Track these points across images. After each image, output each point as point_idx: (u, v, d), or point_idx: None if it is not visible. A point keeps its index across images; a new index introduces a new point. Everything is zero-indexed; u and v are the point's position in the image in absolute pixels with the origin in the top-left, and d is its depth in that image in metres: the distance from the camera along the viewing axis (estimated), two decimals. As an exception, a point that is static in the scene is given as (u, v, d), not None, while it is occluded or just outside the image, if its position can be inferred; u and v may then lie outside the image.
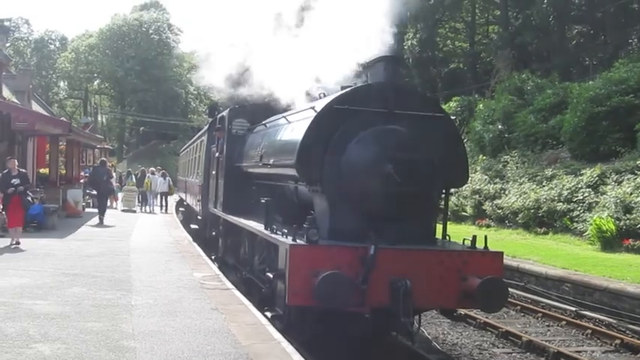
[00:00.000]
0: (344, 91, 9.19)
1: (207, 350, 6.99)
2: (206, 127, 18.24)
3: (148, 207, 31.82)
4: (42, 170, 28.87)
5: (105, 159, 30.11)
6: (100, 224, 22.30)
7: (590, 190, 21.87)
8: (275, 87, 12.11)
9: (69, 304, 9.02)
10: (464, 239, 9.08)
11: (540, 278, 16.13)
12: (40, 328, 7.62)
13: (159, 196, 32.56)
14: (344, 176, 8.53)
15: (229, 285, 11.28)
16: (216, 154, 14.67)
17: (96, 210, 25.06)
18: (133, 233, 19.73)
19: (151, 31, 75.34)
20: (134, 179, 33.41)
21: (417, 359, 9.91)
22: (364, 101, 8.77)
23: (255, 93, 12.77)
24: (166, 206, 32.29)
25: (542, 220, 23.06)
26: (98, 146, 43.03)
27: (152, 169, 35.13)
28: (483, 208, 26.93)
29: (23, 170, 16.80)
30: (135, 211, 29.39)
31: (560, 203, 22.40)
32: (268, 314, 9.01)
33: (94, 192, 26.77)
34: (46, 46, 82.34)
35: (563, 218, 22.06)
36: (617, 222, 18.81)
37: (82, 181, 31.31)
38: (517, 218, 24.35)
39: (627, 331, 12.61)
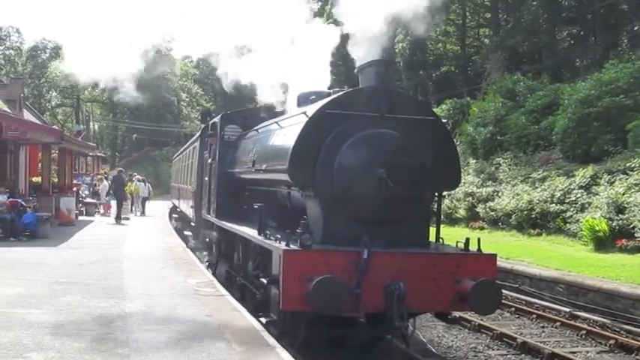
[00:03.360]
0: (335, 96, 9.20)
1: (202, 357, 6.98)
2: (198, 134, 18.22)
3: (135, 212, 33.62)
4: (34, 179, 28.80)
5: (122, 169, 33.87)
6: (118, 223, 26.75)
7: (582, 190, 21.90)
8: (266, 91, 12.21)
9: (63, 313, 9.00)
10: (457, 242, 9.09)
11: (534, 279, 16.15)
12: (33, 337, 7.59)
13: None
14: (336, 181, 8.54)
15: (223, 291, 11.27)
16: (209, 161, 14.65)
17: (88, 218, 26.00)
18: (126, 240, 19.69)
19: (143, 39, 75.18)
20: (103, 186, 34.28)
21: (412, 363, 9.91)
22: (356, 105, 8.78)
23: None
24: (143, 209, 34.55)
25: (536, 222, 23.09)
26: (91, 154, 42.98)
27: (137, 176, 37.48)
28: (476, 210, 26.94)
29: None
30: (129, 218, 29.34)
31: (553, 204, 22.44)
32: (263, 320, 9.00)
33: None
34: (39, 54, 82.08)
35: (556, 219, 22.09)
36: (610, 222, 18.85)
37: (74, 189, 31.27)
38: (510, 220, 24.37)
39: (621, 331, 12.63)
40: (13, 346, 7.14)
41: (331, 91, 10.02)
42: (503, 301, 12.65)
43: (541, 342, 11.94)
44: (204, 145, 16.00)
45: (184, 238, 20.42)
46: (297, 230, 8.11)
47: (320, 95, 10.16)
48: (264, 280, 8.83)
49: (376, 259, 7.93)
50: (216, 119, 14.57)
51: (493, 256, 8.84)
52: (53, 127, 33.55)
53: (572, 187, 22.42)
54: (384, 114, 8.76)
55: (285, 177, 9.01)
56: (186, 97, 77.65)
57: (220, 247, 13.95)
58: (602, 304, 13.86)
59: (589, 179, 22.08)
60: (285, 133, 9.67)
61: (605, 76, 25.44)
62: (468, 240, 8.89)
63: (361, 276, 7.83)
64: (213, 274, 13.76)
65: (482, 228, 25.80)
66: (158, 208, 35.66)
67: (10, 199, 19.99)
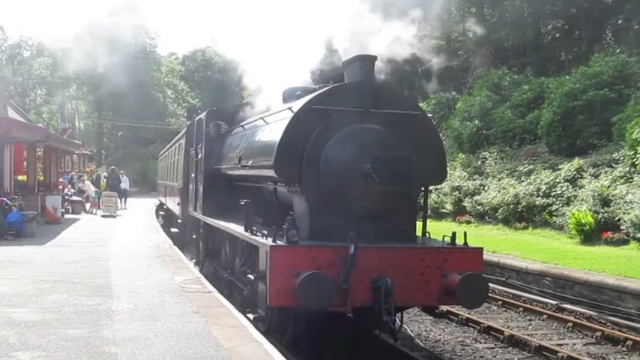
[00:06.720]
0: (321, 91, 9.19)
1: (189, 354, 6.96)
2: (184, 130, 18.17)
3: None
4: (20, 177, 28.62)
5: (114, 167, 36.79)
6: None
7: (568, 184, 22.03)
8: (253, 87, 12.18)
9: (49, 312, 8.95)
10: (444, 236, 9.12)
11: (521, 273, 16.24)
12: (20, 336, 7.54)
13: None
14: (323, 176, 8.54)
15: (211, 288, 11.24)
16: (195, 157, 14.62)
17: (75, 216, 26.17)
18: (113, 238, 19.59)
19: (128, 36, 74.77)
20: (88, 184, 34.43)
21: (400, 357, 9.93)
22: (341, 100, 8.78)
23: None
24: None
25: (522, 215, 23.18)
26: (76, 152, 42.67)
27: (121, 172, 38.12)
28: (463, 204, 27.00)
29: None
30: (115, 216, 29.19)
31: (539, 198, 22.53)
32: (250, 316, 8.99)
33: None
34: (21, 52, 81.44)
35: (543, 213, 22.20)
36: (596, 215, 18.96)
37: (60, 187, 31.08)
38: (497, 214, 24.45)
39: (607, 323, 12.73)
40: (-2, 346, 7.11)
41: (317, 86, 10.00)
42: (490, 295, 12.72)
43: (528, 335, 12.01)
44: (190, 142, 15.96)
45: (172, 237, 20.34)
46: (284, 226, 8.11)
47: (305, 91, 10.15)
48: (252, 277, 8.83)
49: (363, 254, 7.94)
50: (202, 116, 14.53)
51: (480, 250, 8.88)
52: (38, 125, 33.35)
53: (557, 180, 22.54)
54: (369, 109, 8.79)
55: (271, 173, 9.00)
56: (172, 94, 77.30)
57: (207, 244, 13.92)
58: (589, 297, 13.96)
59: (574, 172, 22.22)
60: (270, 129, 9.66)
61: (589, 70, 25.63)
62: (454, 234, 8.93)
63: (348, 271, 7.84)
64: (201, 271, 13.73)
65: (468, 222, 25.89)
66: (145, 205, 35.53)
67: (-3, 198, 19.87)
